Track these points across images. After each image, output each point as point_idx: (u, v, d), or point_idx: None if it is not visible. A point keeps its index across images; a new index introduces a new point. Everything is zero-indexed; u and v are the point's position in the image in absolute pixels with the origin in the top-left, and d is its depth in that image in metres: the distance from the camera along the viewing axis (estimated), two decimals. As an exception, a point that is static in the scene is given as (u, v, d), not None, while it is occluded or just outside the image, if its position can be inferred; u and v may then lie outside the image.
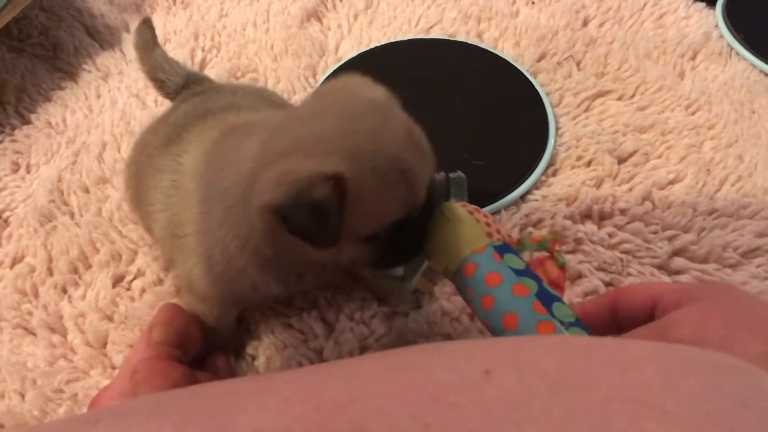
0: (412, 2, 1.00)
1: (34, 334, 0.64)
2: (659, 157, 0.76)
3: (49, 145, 0.83)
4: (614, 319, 0.42)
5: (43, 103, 0.89)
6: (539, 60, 0.88)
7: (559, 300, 0.41)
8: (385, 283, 0.63)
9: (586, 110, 0.82)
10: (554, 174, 0.75)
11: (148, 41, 0.66)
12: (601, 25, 0.93)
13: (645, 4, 0.96)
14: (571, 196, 0.71)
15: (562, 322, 0.39)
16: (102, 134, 0.83)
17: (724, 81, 0.84)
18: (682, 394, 0.21)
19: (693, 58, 0.88)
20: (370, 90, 0.45)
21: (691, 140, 0.77)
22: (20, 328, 0.65)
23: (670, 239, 0.67)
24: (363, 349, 0.61)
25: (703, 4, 0.95)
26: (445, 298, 0.63)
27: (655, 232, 0.68)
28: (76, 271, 0.69)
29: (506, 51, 0.90)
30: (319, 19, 0.99)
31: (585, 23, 0.94)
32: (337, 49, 0.94)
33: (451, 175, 0.54)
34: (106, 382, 0.58)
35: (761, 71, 0.86)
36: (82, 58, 0.94)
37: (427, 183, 0.45)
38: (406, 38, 0.93)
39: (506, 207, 0.71)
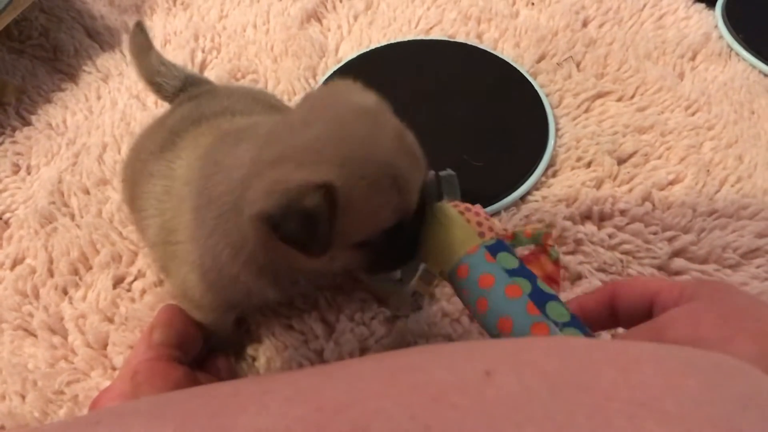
0: (411, 3, 1.00)
1: (35, 336, 0.64)
2: (659, 157, 0.76)
3: (49, 147, 0.83)
4: (612, 314, 0.42)
5: (44, 104, 0.89)
6: (539, 61, 0.88)
7: (554, 298, 0.41)
8: (384, 286, 0.63)
9: (586, 111, 0.82)
10: (554, 175, 0.75)
11: (142, 46, 0.66)
12: (600, 26, 0.93)
13: (645, 5, 0.96)
14: (571, 197, 0.71)
15: (556, 323, 0.39)
16: (102, 136, 0.83)
17: (724, 82, 0.85)
18: (682, 395, 0.21)
19: (693, 58, 0.88)
20: (360, 96, 0.45)
21: (691, 141, 0.77)
22: (21, 329, 0.65)
23: (670, 240, 0.67)
24: (363, 350, 0.61)
25: (703, 5, 0.95)
26: (446, 299, 0.63)
27: (655, 233, 0.68)
28: (76, 272, 0.69)
29: (506, 52, 0.90)
30: (319, 20, 0.99)
31: (585, 24, 0.94)
32: (337, 50, 0.94)
33: (441, 173, 0.53)
34: (107, 383, 0.58)
35: (761, 72, 0.86)
36: (83, 60, 0.94)
37: (419, 187, 0.45)
38: (406, 39, 0.93)
39: (506, 208, 0.71)
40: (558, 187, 0.73)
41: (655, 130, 0.78)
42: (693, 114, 0.81)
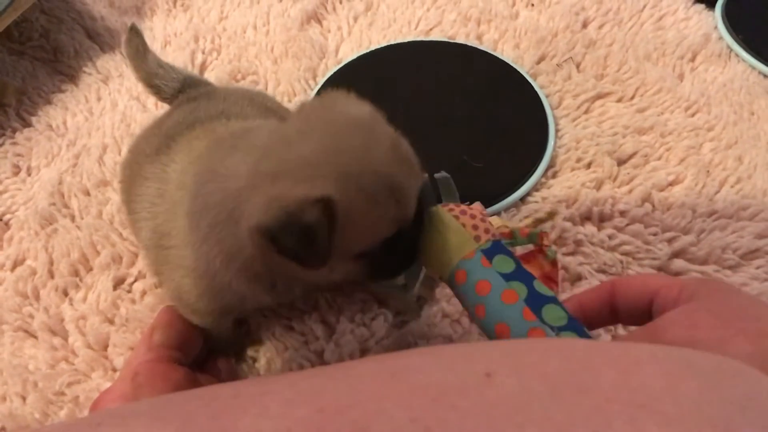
0: (411, 4, 1.00)
1: (36, 337, 0.64)
2: (659, 158, 0.76)
3: (49, 148, 0.83)
4: (611, 311, 0.42)
5: (44, 105, 0.89)
6: (539, 62, 0.88)
7: (551, 300, 0.40)
8: (388, 292, 0.63)
9: (586, 112, 0.82)
10: (554, 176, 0.75)
11: (138, 49, 0.66)
12: (600, 27, 0.93)
13: (644, 6, 0.96)
14: (570, 197, 0.72)
15: (552, 328, 0.39)
16: (102, 137, 0.83)
17: (724, 82, 0.85)
18: (682, 397, 0.21)
19: (692, 59, 0.89)
20: (354, 107, 0.45)
21: (691, 142, 0.77)
22: (21, 330, 0.65)
23: (670, 241, 0.67)
24: (363, 351, 0.61)
25: (703, 6, 0.95)
26: (446, 300, 0.64)
27: (654, 234, 0.68)
28: (77, 273, 0.69)
29: (506, 53, 0.90)
30: (319, 22, 0.99)
31: (584, 25, 0.94)
32: (337, 51, 0.94)
33: (436, 176, 0.53)
34: (108, 384, 0.58)
35: (760, 73, 0.86)
36: (83, 61, 0.94)
37: (416, 195, 0.45)
38: (405, 40, 0.93)
39: (506, 209, 0.71)
40: (558, 188, 0.74)
41: (655, 131, 0.78)
42: (693, 115, 0.81)
